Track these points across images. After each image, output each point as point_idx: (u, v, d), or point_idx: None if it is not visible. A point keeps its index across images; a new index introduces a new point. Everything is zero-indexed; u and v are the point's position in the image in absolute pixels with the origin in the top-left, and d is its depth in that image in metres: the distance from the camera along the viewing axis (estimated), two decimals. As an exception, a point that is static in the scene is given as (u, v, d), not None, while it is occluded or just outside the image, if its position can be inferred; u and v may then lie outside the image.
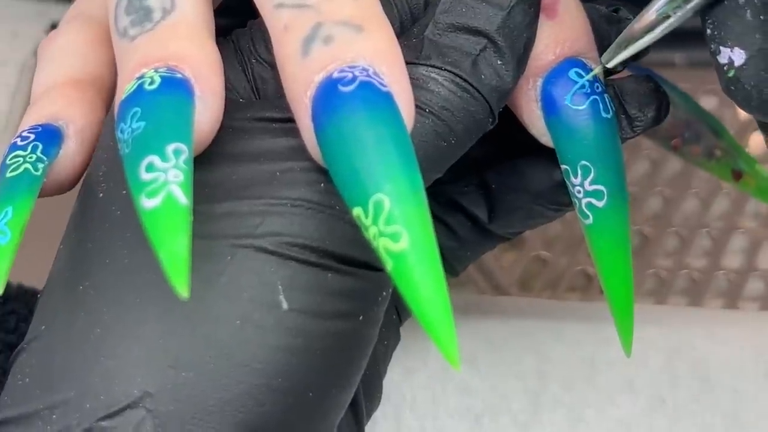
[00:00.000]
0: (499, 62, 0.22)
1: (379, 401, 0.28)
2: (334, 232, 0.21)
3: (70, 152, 0.23)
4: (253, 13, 0.22)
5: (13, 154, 0.22)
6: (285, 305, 0.20)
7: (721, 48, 0.20)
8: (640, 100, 0.24)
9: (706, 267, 0.43)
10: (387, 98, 0.20)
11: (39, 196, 0.22)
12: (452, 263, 0.29)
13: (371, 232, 0.19)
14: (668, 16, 0.21)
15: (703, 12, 0.21)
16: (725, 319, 0.36)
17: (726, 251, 0.43)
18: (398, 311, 0.28)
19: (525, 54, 0.23)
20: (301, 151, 0.21)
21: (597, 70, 0.24)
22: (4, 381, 0.31)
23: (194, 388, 0.20)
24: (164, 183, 0.19)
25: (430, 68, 0.22)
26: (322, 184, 0.21)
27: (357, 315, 0.22)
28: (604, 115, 0.23)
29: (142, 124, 0.20)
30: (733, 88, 0.20)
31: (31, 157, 0.22)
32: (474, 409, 0.32)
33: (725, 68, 0.20)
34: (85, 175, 0.23)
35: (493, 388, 0.32)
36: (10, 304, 0.32)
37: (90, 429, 0.20)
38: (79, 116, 0.23)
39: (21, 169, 0.22)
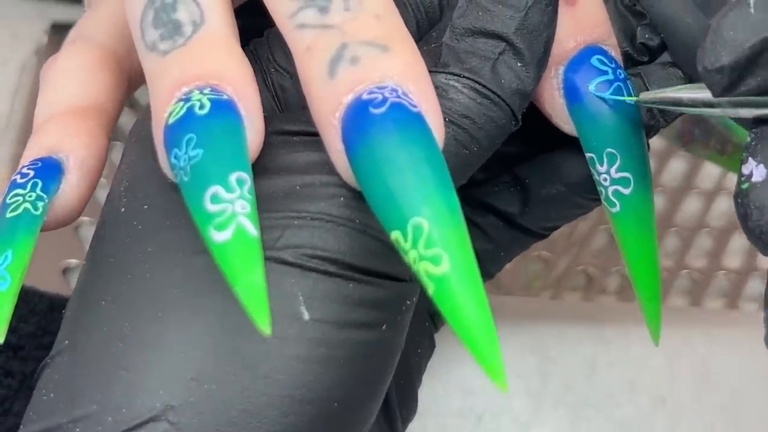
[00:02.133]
0: (519, 65, 0.22)
1: (415, 410, 0.28)
2: (355, 245, 0.21)
3: (71, 186, 0.23)
4: (264, 13, 0.22)
5: (13, 192, 0.22)
6: (306, 316, 0.20)
7: (750, 158, 0.20)
8: (669, 87, 0.24)
9: (707, 267, 0.43)
10: (418, 119, 0.19)
11: (41, 231, 0.22)
12: (486, 266, 0.28)
13: (411, 256, 0.19)
14: (715, 105, 0.21)
15: (753, 120, 0.20)
16: (725, 319, 0.36)
17: (726, 251, 0.43)
18: (432, 318, 0.28)
19: (545, 53, 0.22)
20: (321, 165, 0.21)
21: (645, 96, 0.23)
22: (5, 382, 0.31)
23: (217, 400, 0.20)
24: (233, 215, 0.19)
25: (449, 76, 0.22)
26: (342, 198, 0.21)
27: (380, 324, 0.21)
28: (628, 101, 0.23)
29: (200, 151, 0.19)
30: (739, 200, 0.20)
31: (30, 196, 0.22)
32: (475, 409, 0.32)
33: (742, 178, 0.20)
34: (109, 191, 0.23)
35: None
36: (10, 304, 0.32)
37: None
38: (80, 147, 0.23)
39: (21, 209, 0.22)
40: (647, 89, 0.24)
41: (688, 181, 0.46)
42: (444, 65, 0.22)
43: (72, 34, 0.26)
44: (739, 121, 0.22)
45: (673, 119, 0.25)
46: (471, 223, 0.27)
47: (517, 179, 0.27)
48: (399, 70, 0.20)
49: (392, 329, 0.22)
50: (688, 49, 0.23)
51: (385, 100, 0.19)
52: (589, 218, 0.44)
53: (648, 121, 0.24)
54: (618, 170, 0.23)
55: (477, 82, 0.22)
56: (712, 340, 0.34)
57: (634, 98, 0.23)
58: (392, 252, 0.21)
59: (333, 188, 0.21)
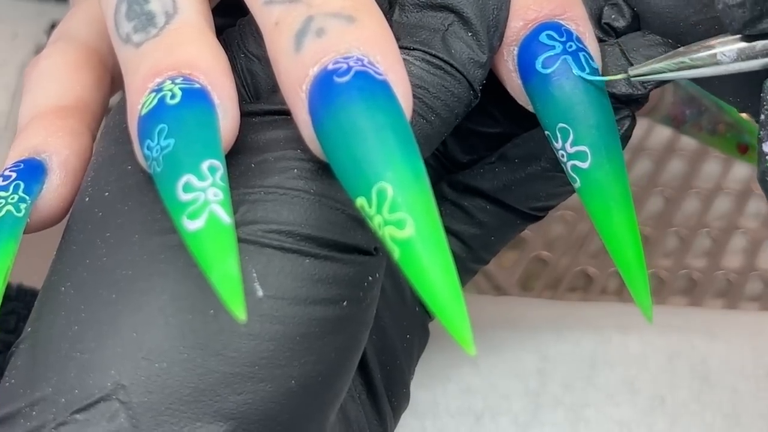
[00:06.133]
0: (468, 34, 0.22)
1: (408, 399, 0.27)
2: (311, 215, 0.21)
3: (54, 186, 0.23)
4: (244, 12, 0.22)
5: None
6: (260, 292, 0.20)
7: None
8: (648, 54, 0.24)
9: (706, 267, 0.43)
10: (383, 86, 0.19)
11: (25, 233, 0.22)
12: (478, 251, 0.28)
13: (376, 222, 0.19)
14: (734, 59, 0.20)
15: (762, 99, 0.20)
16: (725, 319, 0.36)
17: (726, 251, 0.43)
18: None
19: (496, 22, 0.22)
20: (277, 142, 0.21)
21: (627, 74, 0.22)
22: (4, 381, 0.31)
23: (168, 378, 0.20)
24: (205, 203, 0.19)
25: (400, 50, 0.21)
26: (295, 170, 0.21)
27: (340, 300, 0.21)
28: (577, 72, 0.23)
29: (172, 141, 0.19)
30: (767, 179, 0.20)
31: (13, 198, 0.22)
32: (474, 409, 0.32)
33: (766, 157, 0.20)
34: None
35: (494, 388, 0.32)
36: (10, 304, 0.32)
37: (65, 422, 0.20)
38: (63, 147, 0.23)
39: (3, 212, 0.22)
40: (626, 59, 0.24)
41: (688, 181, 0.46)
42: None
43: (55, 33, 0.26)
44: (740, 101, 0.21)
45: (654, 87, 0.24)
46: (458, 208, 0.27)
47: (502, 159, 0.27)
48: (365, 40, 0.20)
49: (354, 305, 0.22)
50: (663, 17, 0.23)
51: (349, 69, 0.19)
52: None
53: (626, 91, 0.24)
54: (572, 144, 0.23)
55: (427, 52, 0.22)
56: (712, 340, 0.34)
57: (625, 75, 0.22)
58: (353, 223, 0.21)
59: (285, 161, 0.21)
